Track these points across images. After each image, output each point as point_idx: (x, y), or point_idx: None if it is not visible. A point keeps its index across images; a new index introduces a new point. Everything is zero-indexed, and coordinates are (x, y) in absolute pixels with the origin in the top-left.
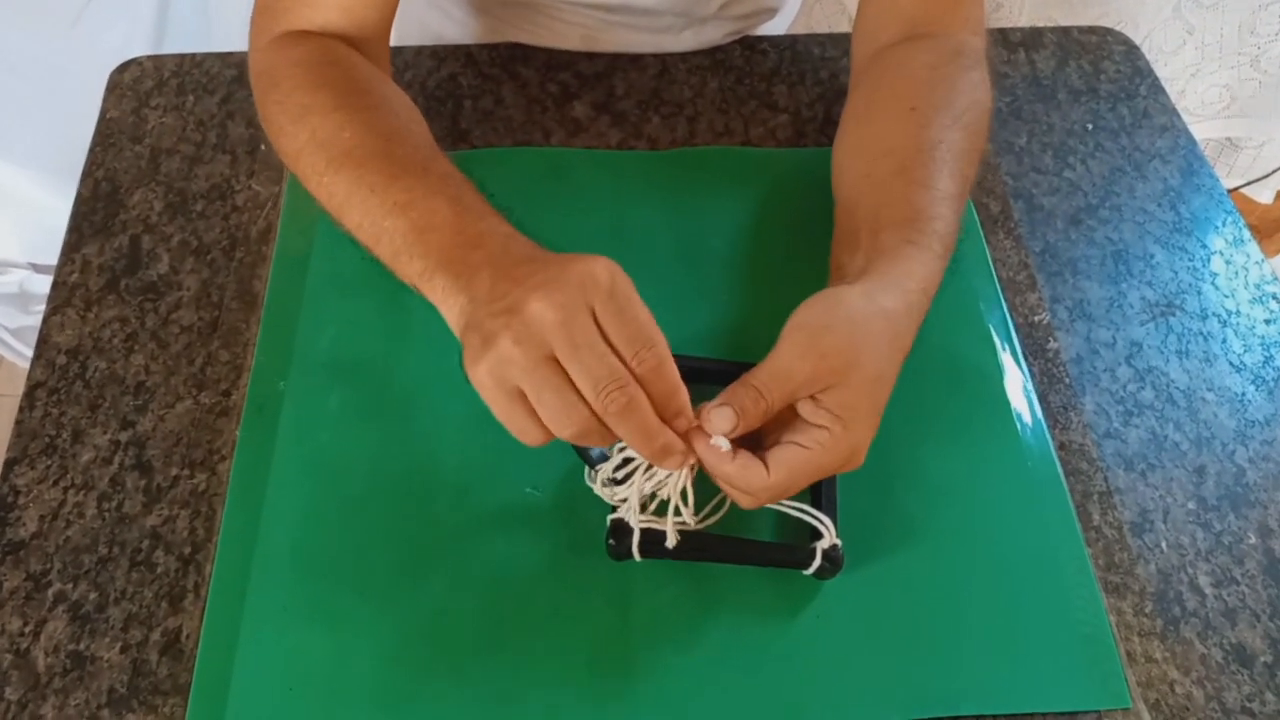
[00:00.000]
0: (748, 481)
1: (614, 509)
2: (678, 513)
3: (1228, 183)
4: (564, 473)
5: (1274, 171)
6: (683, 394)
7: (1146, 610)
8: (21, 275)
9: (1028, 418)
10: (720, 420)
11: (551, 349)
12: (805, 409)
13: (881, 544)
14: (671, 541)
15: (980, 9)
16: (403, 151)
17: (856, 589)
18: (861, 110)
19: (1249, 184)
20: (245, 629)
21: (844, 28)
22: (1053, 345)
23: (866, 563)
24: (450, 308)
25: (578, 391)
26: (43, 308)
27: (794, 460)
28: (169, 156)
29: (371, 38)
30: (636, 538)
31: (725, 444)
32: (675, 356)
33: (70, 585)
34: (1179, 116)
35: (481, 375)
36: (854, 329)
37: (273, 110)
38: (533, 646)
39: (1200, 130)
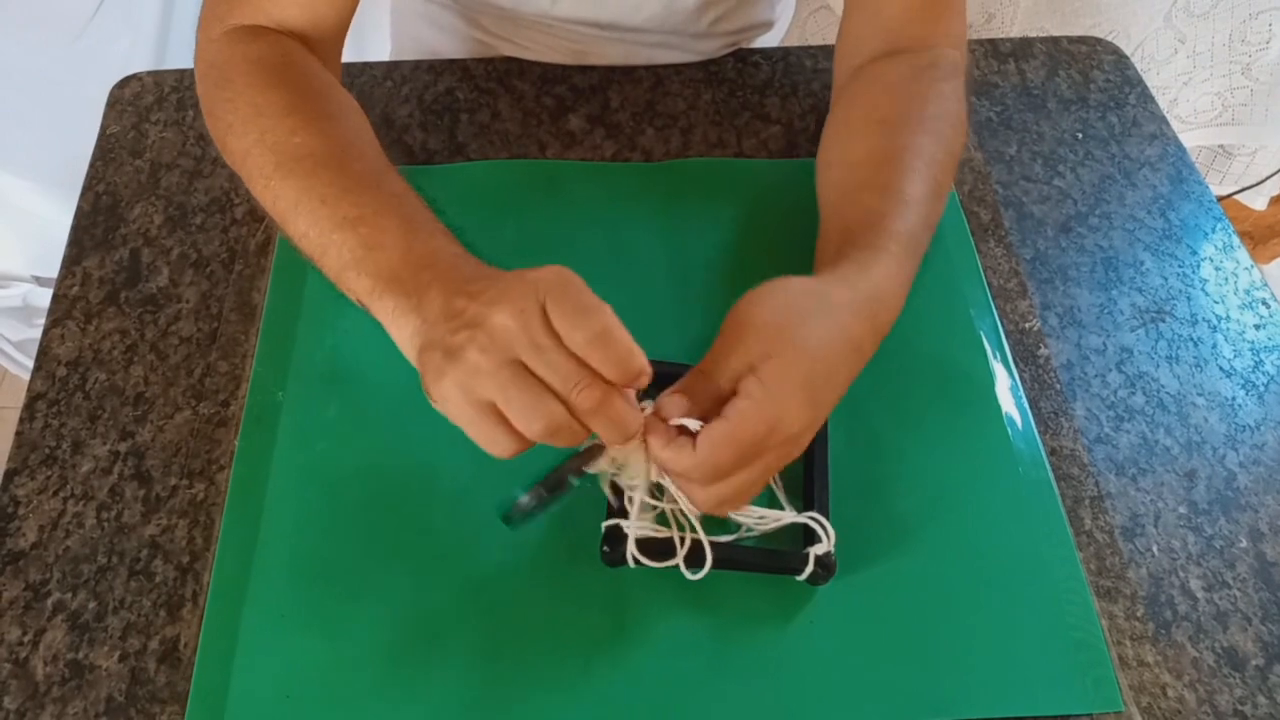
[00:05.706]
0: (678, 461)
1: (608, 516)
2: (681, 527)
3: (1222, 190)
4: None
5: (1267, 178)
6: (638, 358)
7: (1138, 614)
8: (25, 289)
9: (1019, 424)
10: (672, 407)
11: (517, 354)
12: (738, 384)
13: (874, 550)
14: (681, 562)
15: (962, 23)
16: (357, 165)
17: (849, 594)
18: (836, 126)
19: (1242, 190)
20: (243, 637)
21: None
22: (1043, 352)
23: (859, 568)
24: (401, 328)
25: (547, 388)
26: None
27: (715, 430)
28: (169, 171)
29: (327, 39)
30: (632, 544)
31: (677, 410)
32: (668, 363)
33: (69, 595)
34: (1168, 124)
35: (448, 390)
36: (789, 307)
37: (223, 108)
38: (529, 652)
39: (1194, 138)
